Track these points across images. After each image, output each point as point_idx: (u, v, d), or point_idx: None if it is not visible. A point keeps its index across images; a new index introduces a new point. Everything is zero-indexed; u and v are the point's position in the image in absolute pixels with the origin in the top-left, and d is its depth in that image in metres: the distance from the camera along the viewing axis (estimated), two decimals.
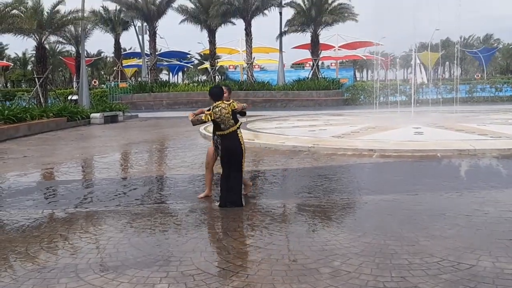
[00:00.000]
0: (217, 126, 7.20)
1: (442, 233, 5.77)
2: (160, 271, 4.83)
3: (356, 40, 50.31)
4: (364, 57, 56.41)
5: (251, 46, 40.03)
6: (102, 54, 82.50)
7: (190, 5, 40.58)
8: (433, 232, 5.82)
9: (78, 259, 5.22)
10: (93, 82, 48.86)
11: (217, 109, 7.05)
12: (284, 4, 38.73)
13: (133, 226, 6.41)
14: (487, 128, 15.90)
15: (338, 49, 53.13)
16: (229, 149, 7.21)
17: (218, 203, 7.20)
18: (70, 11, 27.51)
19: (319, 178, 9.38)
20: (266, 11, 39.20)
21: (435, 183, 8.64)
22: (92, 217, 6.95)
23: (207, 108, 7.23)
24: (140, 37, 42.78)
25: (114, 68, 47.82)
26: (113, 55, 49.67)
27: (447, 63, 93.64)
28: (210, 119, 7.06)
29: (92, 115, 23.75)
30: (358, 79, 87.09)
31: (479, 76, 55.73)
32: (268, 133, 15.86)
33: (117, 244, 5.66)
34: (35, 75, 27.29)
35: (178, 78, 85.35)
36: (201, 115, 7.23)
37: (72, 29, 33.85)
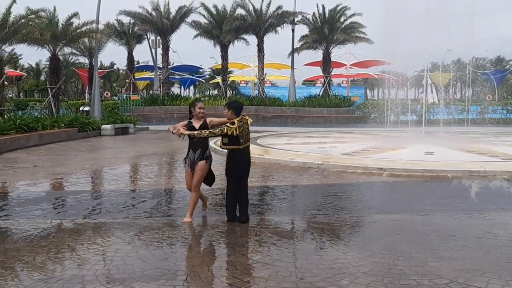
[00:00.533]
0: (233, 140, 7.03)
1: (452, 255, 5.71)
2: (166, 285, 4.81)
3: (367, 58, 50.40)
4: (376, 76, 56.43)
5: (263, 62, 40.25)
6: (115, 66, 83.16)
7: (204, 20, 40.96)
8: (442, 253, 5.77)
9: (85, 270, 5.22)
10: (105, 94, 49.20)
11: (241, 123, 7.00)
12: (297, 21, 38.97)
13: (141, 238, 6.41)
14: (498, 149, 15.79)
15: (350, 67, 53.23)
16: (245, 162, 7.23)
17: (226, 218, 7.18)
18: (84, 22, 27.83)
19: (329, 195, 9.34)
20: (278, 28, 39.47)
21: (445, 204, 8.58)
22: (100, 228, 6.96)
23: (231, 122, 7.02)
24: (153, 50, 43.18)
25: (127, 81, 48.19)
26: (125, 67, 50.08)
27: (459, 83, 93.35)
28: (235, 133, 6.95)
29: (103, 126, 23.89)
30: (369, 97, 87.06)
31: (491, 97, 55.52)
32: (278, 149, 15.85)
33: (125, 256, 5.66)
34: (48, 86, 27.53)
35: (190, 92, 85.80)
36: (221, 126, 7.07)
37: (86, 41, 34.21)
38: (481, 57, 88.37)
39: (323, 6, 39.38)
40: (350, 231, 6.95)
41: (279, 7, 38.20)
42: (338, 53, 45.94)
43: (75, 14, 27.35)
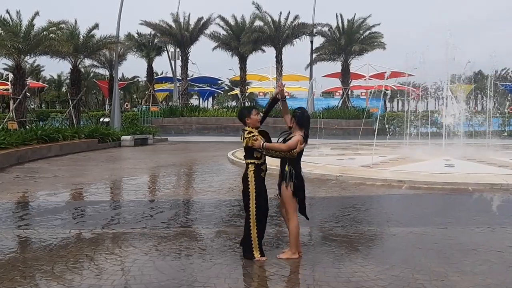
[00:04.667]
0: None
1: (473, 269, 5.62)
2: None
3: (387, 70, 50.13)
4: (395, 87, 56.05)
5: (282, 74, 40.29)
6: (136, 79, 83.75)
7: (223, 32, 41.20)
8: (463, 267, 5.67)
9: (102, 280, 5.23)
10: (125, 105, 49.62)
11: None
12: (315, 33, 38.97)
13: (158, 249, 6.41)
14: None
15: (369, 79, 52.99)
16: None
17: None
18: (106, 36, 28.22)
19: (347, 207, 9.27)
20: (297, 40, 39.53)
21: (466, 217, 8.46)
22: (119, 238, 6.98)
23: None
24: (172, 62, 43.51)
25: (146, 92, 48.54)
26: (145, 79, 50.51)
27: (479, 95, 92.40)
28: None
29: (123, 137, 24.06)
30: (388, 109, 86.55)
31: None
32: None
33: (142, 266, 5.66)
34: (69, 97, 27.86)
35: (208, 104, 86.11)
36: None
37: (107, 53, 34.59)
38: (502, 68, 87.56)
39: (341, 16, 39.34)
40: (369, 243, 6.87)
41: (296, 17, 38.32)
42: (357, 64, 45.83)
43: (96, 26, 27.73)
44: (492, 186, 11.23)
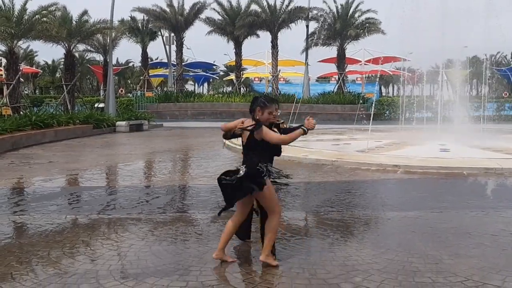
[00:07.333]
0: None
1: (467, 252, 5.66)
2: (180, 280, 4.81)
3: (382, 55, 50.05)
4: (390, 72, 56.02)
5: (277, 59, 40.18)
6: (131, 64, 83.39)
7: (218, 17, 41.05)
8: (457, 250, 5.71)
9: (99, 265, 5.24)
10: (119, 91, 49.41)
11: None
12: (311, 17, 38.83)
13: (154, 234, 6.42)
14: None
15: (365, 64, 52.91)
16: None
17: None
18: (99, 20, 28.06)
19: (342, 192, 9.30)
20: (293, 24, 39.40)
21: (460, 201, 8.50)
22: (115, 224, 6.99)
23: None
24: (167, 47, 43.29)
25: (141, 78, 48.35)
26: (140, 64, 50.29)
27: (475, 80, 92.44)
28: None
29: (118, 123, 23.98)
30: (384, 94, 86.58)
31: (507, 94, 54.91)
32: (291, 146, 15.77)
33: (138, 251, 5.67)
34: (63, 82, 27.74)
35: (204, 89, 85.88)
36: None
37: (100, 37, 34.39)
38: (497, 52, 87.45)
39: (334, 1, 39.21)
40: (364, 228, 6.91)
41: (292, 1, 38.18)
42: (352, 49, 45.77)
43: (86, 12, 27.71)
44: (487, 171, 11.28)
